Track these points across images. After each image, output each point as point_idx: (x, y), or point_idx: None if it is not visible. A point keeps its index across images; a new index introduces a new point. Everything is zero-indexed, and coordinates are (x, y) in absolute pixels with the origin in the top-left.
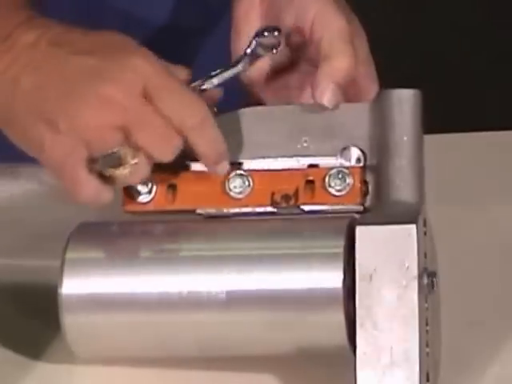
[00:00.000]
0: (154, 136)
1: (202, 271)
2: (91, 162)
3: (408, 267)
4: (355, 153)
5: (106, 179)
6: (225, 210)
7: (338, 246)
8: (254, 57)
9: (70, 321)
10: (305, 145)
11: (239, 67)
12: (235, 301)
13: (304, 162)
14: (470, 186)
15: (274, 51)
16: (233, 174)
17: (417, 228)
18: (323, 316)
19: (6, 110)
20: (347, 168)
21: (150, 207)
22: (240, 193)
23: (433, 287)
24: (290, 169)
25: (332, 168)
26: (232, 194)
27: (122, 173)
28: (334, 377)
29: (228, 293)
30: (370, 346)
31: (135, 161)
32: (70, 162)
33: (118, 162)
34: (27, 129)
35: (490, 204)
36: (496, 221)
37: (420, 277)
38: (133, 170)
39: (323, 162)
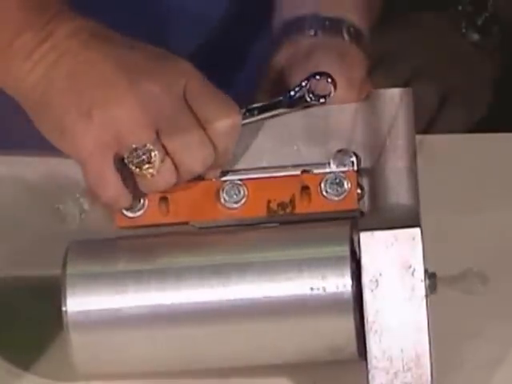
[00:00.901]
0: (186, 142)
1: (208, 282)
2: (119, 161)
3: (414, 270)
4: (349, 156)
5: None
6: (220, 221)
7: (344, 251)
8: (301, 102)
9: (77, 338)
10: (296, 149)
11: (281, 110)
12: (243, 310)
13: (298, 167)
14: (465, 188)
15: (323, 100)
16: (226, 183)
17: (421, 230)
18: (333, 322)
19: (42, 93)
20: (343, 172)
21: (143, 221)
22: (235, 202)
23: (434, 288)
24: (285, 176)
25: (328, 173)
26: (227, 204)
27: (147, 172)
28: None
29: (236, 302)
30: (380, 351)
31: (161, 164)
32: (98, 156)
33: (146, 161)
34: (60, 115)
35: (486, 207)
36: (493, 224)
37: (425, 277)
38: (158, 172)
39: (317, 166)
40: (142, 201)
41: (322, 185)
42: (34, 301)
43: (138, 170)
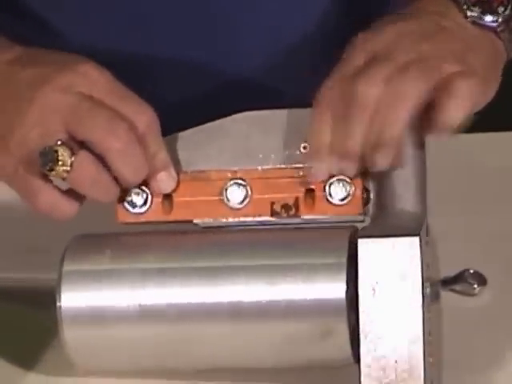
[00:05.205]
0: (96, 125)
1: (202, 283)
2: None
3: (412, 279)
4: None
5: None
6: (223, 221)
7: (341, 257)
8: None
9: (70, 334)
10: (304, 151)
11: None
12: (237, 313)
13: (304, 170)
14: (462, 189)
15: None
16: (230, 182)
17: (420, 240)
18: (326, 328)
19: None
20: (348, 176)
21: (146, 218)
22: (238, 202)
23: (436, 297)
24: (290, 177)
25: (333, 176)
26: (230, 203)
27: (61, 170)
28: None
29: (231, 305)
30: (374, 360)
31: (72, 159)
32: (21, 172)
33: (54, 160)
34: None
35: (482, 208)
36: (490, 225)
37: (423, 287)
38: (73, 168)
39: None
40: (145, 196)
41: (327, 188)
42: (35, 302)
43: (53, 172)
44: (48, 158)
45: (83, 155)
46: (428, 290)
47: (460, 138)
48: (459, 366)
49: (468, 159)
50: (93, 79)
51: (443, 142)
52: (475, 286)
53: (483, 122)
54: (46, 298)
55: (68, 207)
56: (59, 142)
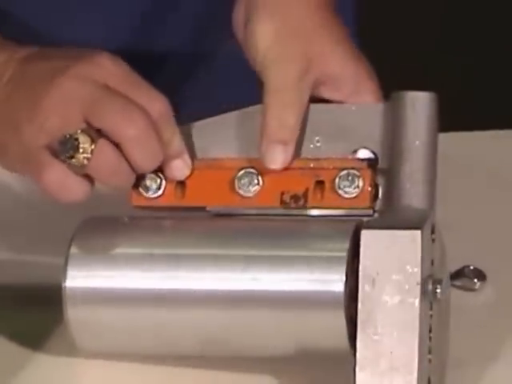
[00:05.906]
0: (112, 113)
1: (205, 269)
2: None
3: (411, 273)
4: (366, 155)
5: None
6: (233, 209)
7: (342, 249)
8: None
9: (74, 314)
10: (317, 145)
11: None
12: (237, 300)
13: (315, 162)
14: (462, 185)
15: None
16: (242, 171)
17: (422, 234)
18: (324, 319)
19: None
20: (358, 170)
21: (159, 203)
22: (249, 191)
23: (441, 297)
24: (301, 168)
25: (342, 169)
26: (241, 192)
27: (82, 158)
28: (332, 378)
29: (230, 292)
30: (369, 350)
31: (92, 147)
32: (33, 153)
33: (75, 148)
34: None
35: (483, 204)
36: (490, 221)
37: (424, 283)
38: (93, 155)
39: (333, 162)
40: (158, 181)
41: (337, 180)
42: (39, 287)
43: (74, 160)
44: (68, 146)
45: (103, 143)
46: (430, 287)
47: (460, 135)
48: (459, 361)
49: (469, 157)
50: (108, 69)
51: (445, 139)
52: (475, 281)
53: (483, 121)
54: (51, 284)
55: (78, 188)
56: (79, 131)
